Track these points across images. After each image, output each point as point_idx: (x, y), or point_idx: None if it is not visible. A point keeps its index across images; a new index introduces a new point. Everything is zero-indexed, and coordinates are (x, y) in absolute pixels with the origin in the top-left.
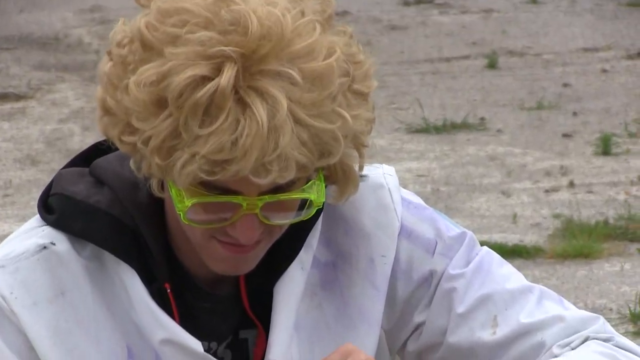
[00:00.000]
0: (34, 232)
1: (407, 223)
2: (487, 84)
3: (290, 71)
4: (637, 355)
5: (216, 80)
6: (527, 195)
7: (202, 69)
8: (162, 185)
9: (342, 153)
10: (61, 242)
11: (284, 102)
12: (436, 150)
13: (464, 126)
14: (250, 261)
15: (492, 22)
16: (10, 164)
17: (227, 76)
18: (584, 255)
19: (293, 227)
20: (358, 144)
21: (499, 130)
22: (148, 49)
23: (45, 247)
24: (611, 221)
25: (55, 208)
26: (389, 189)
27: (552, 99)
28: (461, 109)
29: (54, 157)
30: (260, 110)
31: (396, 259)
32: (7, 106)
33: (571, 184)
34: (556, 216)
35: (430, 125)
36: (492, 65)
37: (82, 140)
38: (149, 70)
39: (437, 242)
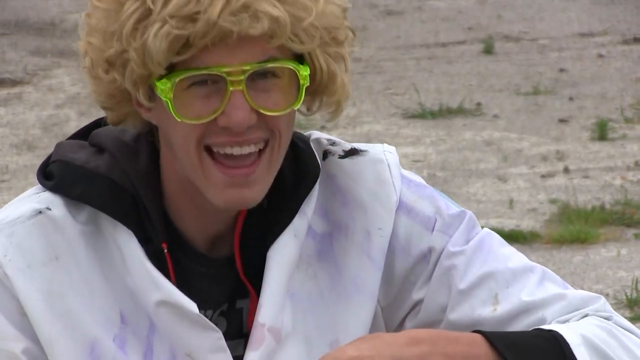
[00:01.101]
0: (31, 197)
1: (407, 200)
2: (483, 69)
3: None
4: (635, 335)
5: None
6: (523, 181)
7: None
8: (149, 94)
9: (319, 43)
10: (57, 207)
11: None
12: (432, 135)
13: (460, 111)
14: (253, 187)
15: (488, 7)
16: (7, 149)
17: None
18: (580, 240)
19: (288, 195)
20: (334, 37)
21: (495, 116)
22: None
23: (40, 212)
24: (607, 206)
25: (55, 174)
26: (388, 164)
27: (548, 84)
28: (457, 94)
29: (51, 142)
30: None
31: (395, 235)
32: (4, 92)
33: (567, 169)
34: (552, 201)
35: (427, 111)
36: (488, 50)
37: (78, 125)
38: None
39: (436, 219)
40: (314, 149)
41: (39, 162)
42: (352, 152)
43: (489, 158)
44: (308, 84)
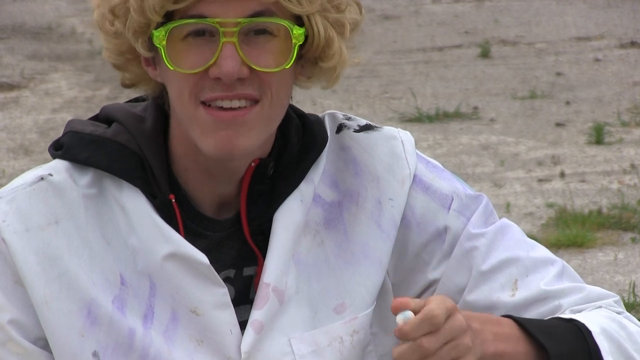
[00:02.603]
0: (38, 167)
1: (425, 178)
2: (479, 73)
3: None
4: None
5: None
6: (520, 185)
7: None
8: (149, 45)
9: (318, 9)
10: (59, 172)
11: None
12: (429, 139)
13: (457, 115)
14: (242, 133)
15: (484, 11)
16: (4, 153)
17: None
18: (577, 244)
19: (295, 162)
20: (334, 5)
21: (491, 120)
22: None
23: (42, 178)
24: (604, 210)
25: (64, 143)
26: (401, 140)
27: (545, 88)
28: (454, 98)
29: (47, 147)
30: None
31: (411, 210)
32: (1, 96)
33: (564, 174)
34: (549, 205)
35: (423, 115)
36: (484, 54)
37: None
38: None
39: (453, 198)
40: (327, 122)
41: (35, 166)
42: (368, 127)
43: (486, 162)
44: (301, 42)
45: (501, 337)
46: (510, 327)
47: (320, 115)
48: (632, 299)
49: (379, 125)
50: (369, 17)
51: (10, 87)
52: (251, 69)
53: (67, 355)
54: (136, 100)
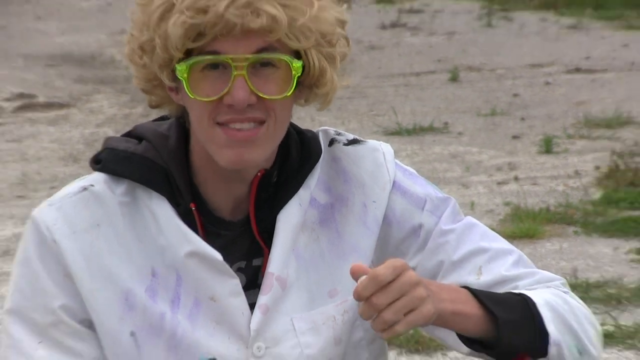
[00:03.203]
0: (80, 179)
1: (403, 184)
2: (449, 95)
3: None
4: (582, 306)
5: None
6: (482, 187)
7: None
8: (172, 76)
9: (314, 44)
10: (99, 183)
11: None
12: (408, 149)
13: (431, 129)
14: (251, 149)
15: (454, 42)
16: (56, 161)
17: None
18: (529, 236)
19: (294, 171)
20: (328, 41)
21: (459, 133)
22: None
23: (85, 189)
24: (552, 208)
25: (102, 159)
26: (383, 152)
27: (503, 107)
28: (428, 115)
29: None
30: None
31: (392, 211)
32: (53, 113)
33: (518, 178)
34: (506, 204)
35: (403, 129)
36: (454, 78)
37: None
38: None
39: (426, 201)
40: (320, 137)
41: (83, 172)
42: (354, 141)
43: (454, 168)
44: (299, 74)
45: (457, 300)
46: (466, 295)
47: (315, 131)
48: (573, 280)
49: (363, 139)
50: (358, 47)
51: (61, 106)
52: (258, 97)
53: (110, 336)
54: (162, 118)
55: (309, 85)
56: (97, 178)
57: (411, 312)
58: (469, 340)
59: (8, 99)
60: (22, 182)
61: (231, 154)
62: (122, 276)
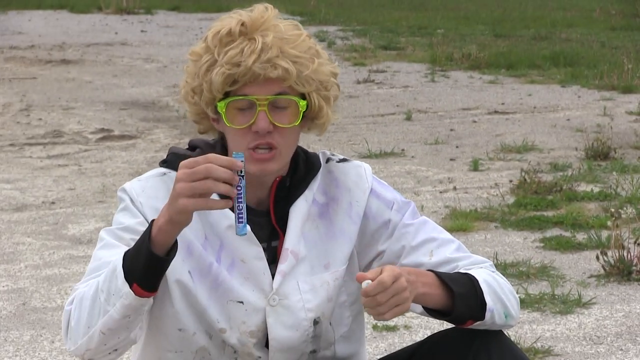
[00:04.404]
0: (157, 169)
1: (378, 190)
2: (405, 129)
3: (280, 26)
4: (506, 283)
5: (229, 26)
6: (429, 195)
7: (225, 26)
8: (215, 110)
9: (315, 89)
10: (173, 173)
11: (271, 36)
12: (375, 168)
13: (392, 154)
14: (272, 164)
15: (408, 93)
16: (126, 177)
17: (236, 22)
18: (463, 230)
19: (300, 179)
20: (325, 87)
21: (412, 156)
22: (202, 39)
23: (164, 173)
24: (479, 210)
25: (168, 160)
26: (364, 168)
27: (443, 138)
28: (390, 144)
29: None
30: (258, 39)
31: (369, 209)
32: (124, 142)
33: (455, 188)
34: (446, 207)
35: (372, 153)
36: (408, 118)
37: None
38: (201, 44)
39: (394, 203)
40: (320, 156)
41: None
42: (344, 160)
43: (409, 181)
44: (305, 110)
45: (426, 284)
46: (432, 278)
47: (316, 152)
48: (495, 262)
49: (350, 159)
50: (341, 96)
51: (130, 137)
52: (275, 125)
53: (175, 272)
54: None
55: (310, 118)
56: (170, 170)
57: (397, 307)
58: (433, 312)
59: (93, 132)
60: (102, 191)
61: (257, 168)
62: (187, 231)
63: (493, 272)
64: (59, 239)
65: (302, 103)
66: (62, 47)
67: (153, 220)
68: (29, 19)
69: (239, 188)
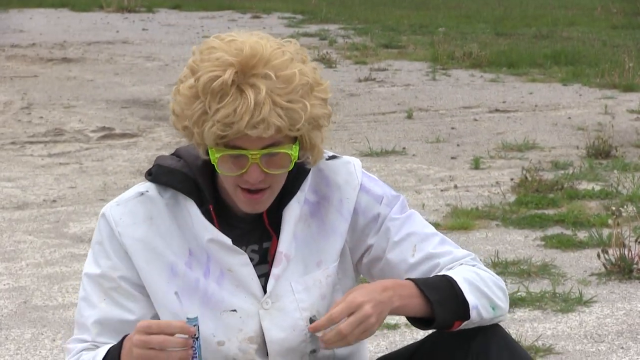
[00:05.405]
0: (138, 186)
1: (367, 186)
2: (406, 128)
3: (270, 73)
4: (489, 275)
5: (222, 76)
6: (430, 193)
7: (216, 72)
8: (206, 152)
9: (307, 130)
10: (152, 190)
11: (264, 89)
12: (377, 166)
13: (393, 152)
14: (262, 204)
15: (409, 91)
16: (128, 174)
17: (228, 73)
18: (464, 228)
19: (291, 181)
20: (317, 125)
21: (413, 155)
22: (191, 71)
23: (142, 193)
24: (480, 208)
25: (153, 172)
26: (353, 164)
27: (444, 136)
28: (391, 142)
29: None
30: (250, 94)
31: (359, 204)
32: (126, 141)
33: (456, 186)
34: (447, 205)
35: (373, 152)
36: (409, 116)
37: None
38: (190, 79)
39: (383, 197)
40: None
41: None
42: (333, 157)
43: (410, 180)
44: (296, 157)
45: (404, 297)
46: (410, 287)
47: None
48: (496, 260)
49: (340, 155)
50: (342, 95)
51: (132, 135)
52: (266, 173)
53: (160, 295)
54: None
55: (303, 153)
56: (150, 186)
57: (363, 333)
58: (416, 321)
59: (94, 131)
60: (103, 189)
61: (248, 207)
62: (168, 253)
63: (474, 265)
64: (60, 237)
65: (294, 151)
66: (63, 45)
67: (124, 337)
68: (30, 17)
69: (193, 348)
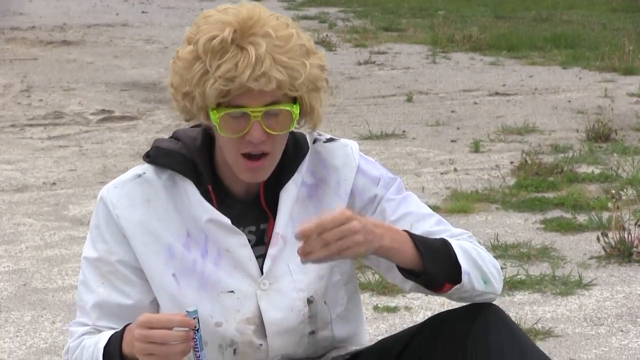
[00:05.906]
0: (136, 167)
1: (365, 168)
2: (406, 111)
3: (270, 31)
4: (484, 252)
5: (222, 34)
6: (430, 176)
7: (214, 32)
8: (207, 117)
9: (306, 91)
10: (149, 171)
11: (264, 45)
12: (377, 149)
13: (393, 135)
14: (263, 171)
15: (409, 74)
16: (127, 158)
17: (227, 31)
18: (463, 211)
19: (289, 161)
20: (315, 87)
21: (413, 138)
22: (188, 41)
23: (139, 175)
24: (480, 191)
25: (151, 154)
26: (350, 146)
27: (444, 120)
28: (391, 125)
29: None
30: (250, 49)
31: (356, 186)
32: (125, 123)
33: (456, 169)
34: (447, 188)
35: (373, 135)
36: (409, 99)
37: None
38: (189, 45)
39: (380, 179)
40: (307, 137)
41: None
42: (331, 139)
43: (410, 163)
44: (298, 117)
45: (397, 240)
46: (404, 236)
47: (303, 132)
48: (496, 243)
49: (337, 138)
50: (342, 77)
51: (131, 118)
52: (268, 133)
53: (158, 277)
54: (197, 126)
55: (303, 117)
56: (148, 168)
57: (347, 249)
58: (406, 272)
59: (94, 113)
60: (103, 172)
61: (249, 176)
62: (165, 235)
63: (472, 242)
64: (59, 219)
65: (295, 110)
66: (63, 28)
67: (126, 327)
68: (30, 0)
69: (194, 340)
